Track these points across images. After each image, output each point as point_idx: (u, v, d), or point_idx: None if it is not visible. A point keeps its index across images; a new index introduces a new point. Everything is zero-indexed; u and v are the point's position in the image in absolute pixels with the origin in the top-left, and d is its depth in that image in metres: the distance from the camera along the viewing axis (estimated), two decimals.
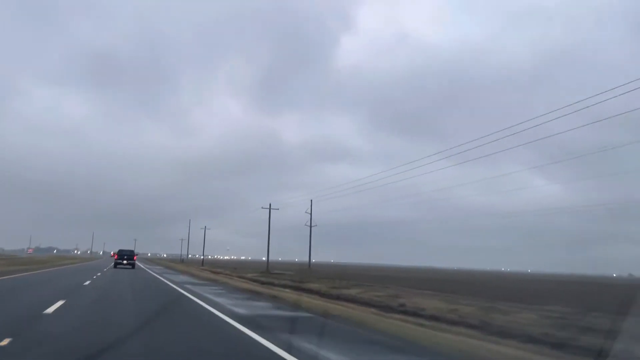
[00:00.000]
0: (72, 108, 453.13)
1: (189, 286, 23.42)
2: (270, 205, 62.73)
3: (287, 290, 22.43)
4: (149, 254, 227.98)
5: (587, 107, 21.43)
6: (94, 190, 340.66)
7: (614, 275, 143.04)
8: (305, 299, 17.45)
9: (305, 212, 62.76)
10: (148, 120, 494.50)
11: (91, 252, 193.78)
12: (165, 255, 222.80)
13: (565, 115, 23.08)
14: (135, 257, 52.75)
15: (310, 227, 62.67)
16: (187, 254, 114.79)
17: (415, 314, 12.93)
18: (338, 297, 18.41)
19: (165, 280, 28.06)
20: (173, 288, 21.86)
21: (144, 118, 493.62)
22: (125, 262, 49.50)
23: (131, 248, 57.51)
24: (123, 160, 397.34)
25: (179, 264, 77.27)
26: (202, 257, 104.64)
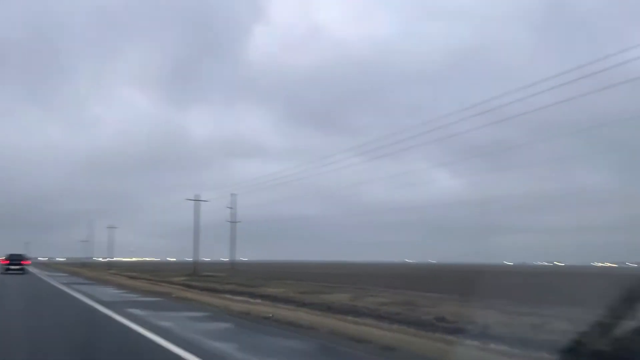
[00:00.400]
0: None
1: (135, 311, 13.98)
2: (195, 197, 55.32)
3: (238, 298, 18.16)
4: (46, 259, 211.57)
5: (490, 109, 25.45)
6: None
7: (512, 263, 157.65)
8: (301, 314, 12.60)
9: (227, 207, 60.85)
10: (39, 112, 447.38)
11: None
12: (64, 260, 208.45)
13: (471, 116, 26.97)
14: (28, 262, 51.18)
15: (233, 223, 60.91)
16: (92, 257, 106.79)
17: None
18: (330, 309, 13.74)
19: (85, 299, 18.50)
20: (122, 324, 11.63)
21: (34, 110, 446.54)
22: (15, 267, 47.71)
23: (21, 252, 53.96)
24: (10, 157, 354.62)
25: (82, 269, 71.71)
26: (106, 259, 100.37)
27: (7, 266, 47.69)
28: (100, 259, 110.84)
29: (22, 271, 47.89)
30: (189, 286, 25.97)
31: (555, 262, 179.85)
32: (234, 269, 58.39)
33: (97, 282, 33.93)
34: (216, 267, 63.73)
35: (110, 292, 22.70)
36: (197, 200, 53.33)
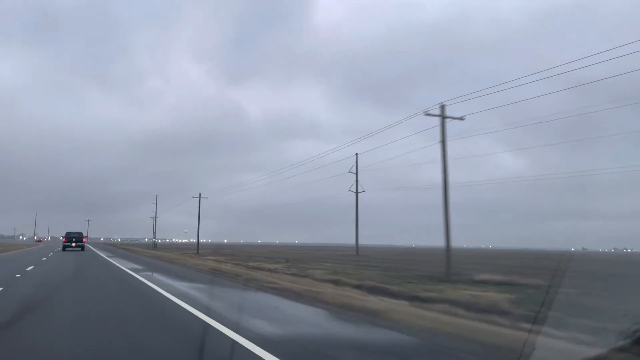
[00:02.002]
0: (4, 72, 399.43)
1: None
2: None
3: None
4: (101, 239, 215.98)
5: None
6: (33, 170, 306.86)
7: (572, 249, 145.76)
8: None
9: (349, 172, 47.88)
10: (95, 86, 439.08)
11: (50, 237, 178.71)
12: (119, 240, 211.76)
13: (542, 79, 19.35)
14: (84, 239, 53.08)
15: (357, 193, 47.53)
16: (155, 238, 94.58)
17: None
18: None
19: None
20: None
21: (90, 84, 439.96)
22: (74, 244, 49.74)
23: (80, 230, 56.37)
24: (63, 136, 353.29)
25: (155, 251, 59.41)
26: (158, 240, 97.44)
27: (66, 244, 50.12)
28: (158, 241, 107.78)
29: (81, 248, 49.95)
30: (362, 288, 13.77)
31: (626, 249, 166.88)
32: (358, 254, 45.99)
33: (206, 273, 21.22)
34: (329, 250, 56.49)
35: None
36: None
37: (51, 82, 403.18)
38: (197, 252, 49.57)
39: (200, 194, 59.86)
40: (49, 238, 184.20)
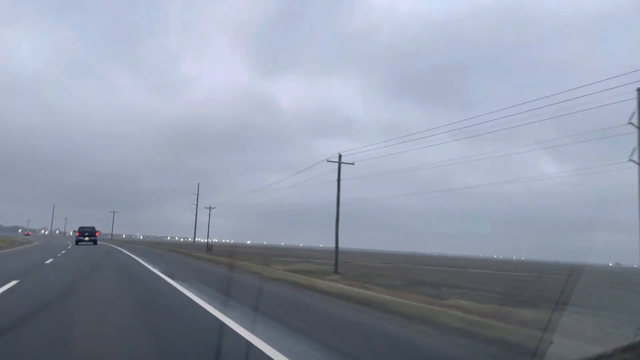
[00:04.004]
0: (22, 55, 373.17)
1: None
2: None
3: None
4: (123, 235, 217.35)
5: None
6: (53, 160, 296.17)
7: (610, 264, 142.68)
8: None
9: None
10: (123, 72, 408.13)
11: (59, 231, 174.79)
12: (141, 237, 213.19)
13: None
14: (97, 234, 54.66)
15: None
16: (194, 237, 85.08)
17: None
18: None
19: None
20: None
21: (118, 70, 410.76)
22: (87, 238, 51.16)
23: (93, 225, 56.84)
24: (92, 131, 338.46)
25: (196, 252, 44.76)
26: (182, 239, 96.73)
27: (79, 238, 51.33)
28: (188, 240, 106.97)
29: (93, 242, 51.01)
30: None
31: None
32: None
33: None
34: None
35: None
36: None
37: (73, 64, 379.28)
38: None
39: (210, 206, 60.66)
40: (57, 232, 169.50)
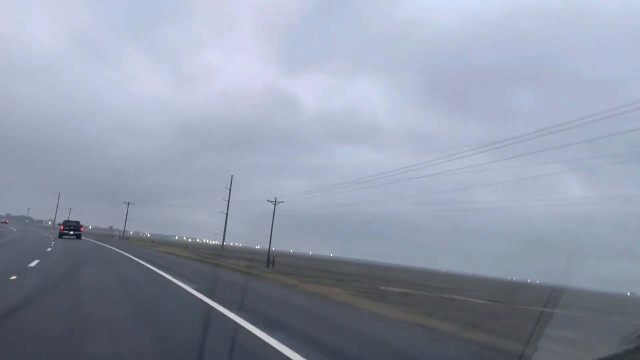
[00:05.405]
0: (37, 39, 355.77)
1: None
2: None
3: None
4: (131, 232, 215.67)
5: None
6: (63, 147, 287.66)
7: (628, 293, 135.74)
8: None
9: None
10: (143, 60, 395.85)
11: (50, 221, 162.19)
12: (148, 235, 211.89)
13: None
14: (81, 228, 54.55)
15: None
16: (223, 242, 71.14)
17: None
18: None
19: None
20: None
21: (139, 58, 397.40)
22: (71, 232, 50.98)
23: (77, 220, 56.68)
24: (99, 114, 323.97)
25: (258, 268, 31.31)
26: (204, 242, 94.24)
27: (63, 232, 50.74)
28: (168, 238, 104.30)
29: (77, 237, 50.44)
30: None
31: None
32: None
33: None
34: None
35: None
36: None
37: (87, 46, 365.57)
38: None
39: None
40: (49, 223, 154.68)
